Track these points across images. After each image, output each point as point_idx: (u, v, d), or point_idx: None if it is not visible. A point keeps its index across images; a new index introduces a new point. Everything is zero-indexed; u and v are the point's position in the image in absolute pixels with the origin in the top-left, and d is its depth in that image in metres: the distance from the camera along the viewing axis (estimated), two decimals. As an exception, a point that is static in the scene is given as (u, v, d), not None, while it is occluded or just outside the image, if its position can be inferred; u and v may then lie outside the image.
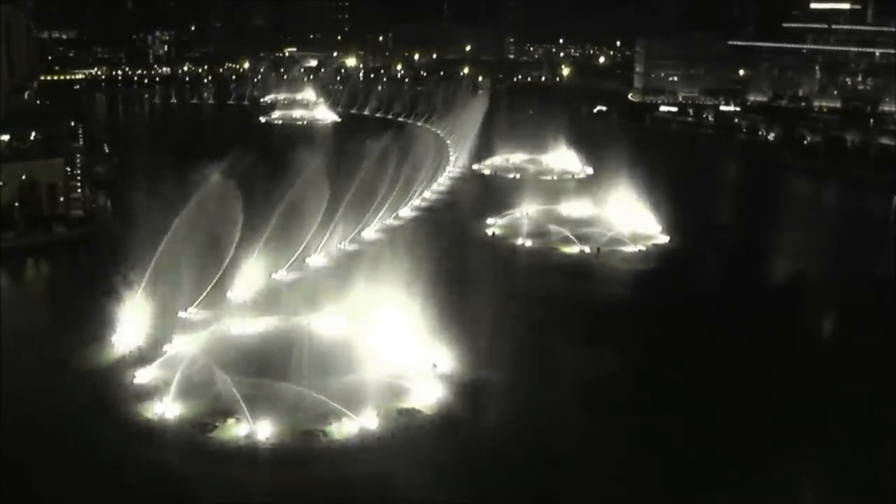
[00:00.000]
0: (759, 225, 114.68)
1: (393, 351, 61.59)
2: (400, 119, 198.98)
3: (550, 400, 57.17)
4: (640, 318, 74.03)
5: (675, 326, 71.88)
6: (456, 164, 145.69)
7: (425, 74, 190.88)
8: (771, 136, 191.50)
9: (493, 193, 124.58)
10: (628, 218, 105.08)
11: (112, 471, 47.79)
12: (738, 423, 54.25)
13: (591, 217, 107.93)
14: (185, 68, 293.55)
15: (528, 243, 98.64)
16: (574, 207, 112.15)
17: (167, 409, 53.95)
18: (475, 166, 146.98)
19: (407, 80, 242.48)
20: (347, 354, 61.92)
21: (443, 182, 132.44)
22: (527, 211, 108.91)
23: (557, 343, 66.32)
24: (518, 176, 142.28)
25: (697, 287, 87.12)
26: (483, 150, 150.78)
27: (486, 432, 52.73)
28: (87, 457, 49.01)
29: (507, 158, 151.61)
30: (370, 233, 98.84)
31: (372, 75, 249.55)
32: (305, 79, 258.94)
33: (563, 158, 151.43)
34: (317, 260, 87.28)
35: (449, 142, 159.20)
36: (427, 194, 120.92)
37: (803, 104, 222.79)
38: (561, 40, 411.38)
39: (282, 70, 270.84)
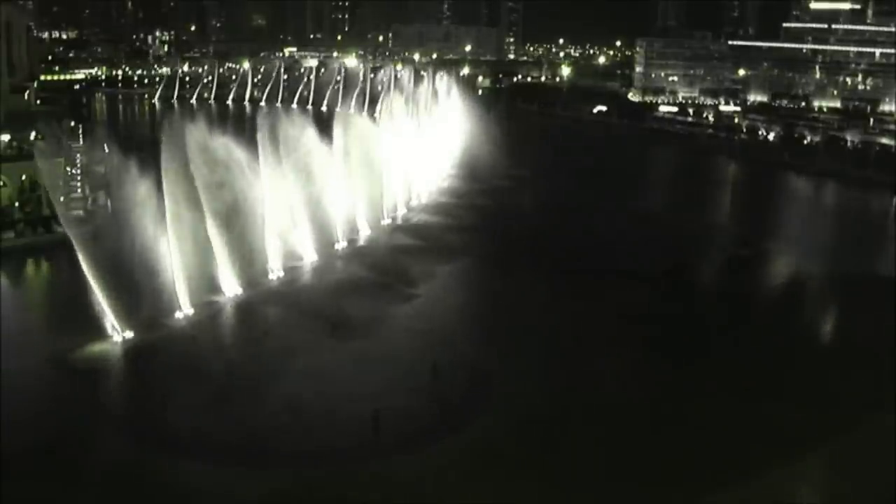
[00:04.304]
0: (757, 226, 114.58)
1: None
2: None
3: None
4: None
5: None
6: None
7: (426, 75, 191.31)
8: (771, 136, 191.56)
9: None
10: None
11: (105, 467, 47.84)
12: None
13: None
14: (185, 68, 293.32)
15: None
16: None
17: (166, 405, 54.04)
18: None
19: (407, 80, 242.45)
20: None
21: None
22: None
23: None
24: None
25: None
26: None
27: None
28: (84, 454, 49.04)
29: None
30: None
31: (373, 75, 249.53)
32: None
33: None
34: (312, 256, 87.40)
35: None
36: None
37: (803, 104, 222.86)
38: (561, 40, 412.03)
39: (282, 70, 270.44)
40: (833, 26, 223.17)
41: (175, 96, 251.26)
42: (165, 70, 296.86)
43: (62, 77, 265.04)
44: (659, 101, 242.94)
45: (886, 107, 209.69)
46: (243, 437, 51.01)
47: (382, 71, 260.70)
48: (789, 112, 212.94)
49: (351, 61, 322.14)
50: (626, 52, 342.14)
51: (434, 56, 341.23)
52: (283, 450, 50.26)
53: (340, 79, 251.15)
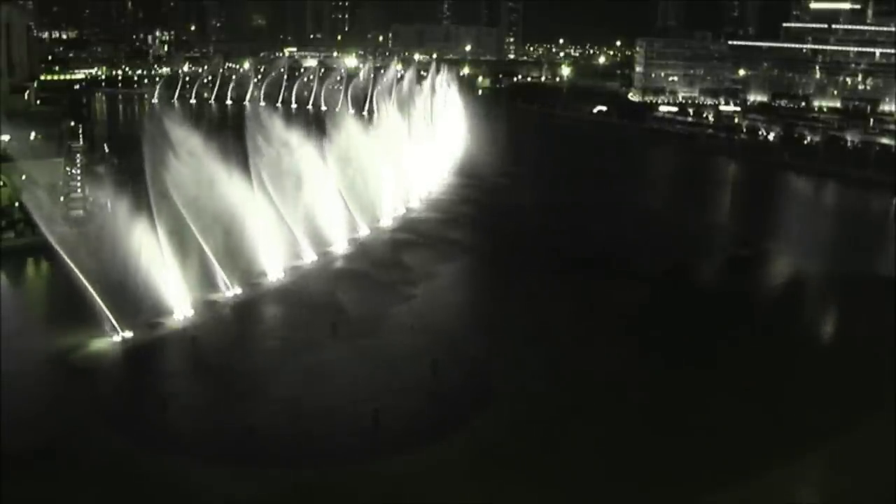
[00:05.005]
0: (757, 226, 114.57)
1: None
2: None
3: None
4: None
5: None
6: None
7: (426, 75, 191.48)
8: (771, 136, 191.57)
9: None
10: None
11: (105, 466, 47.85)
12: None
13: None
14: (186, 68, 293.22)
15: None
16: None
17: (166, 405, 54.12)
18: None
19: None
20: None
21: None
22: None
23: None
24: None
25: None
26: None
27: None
28: (83, 453, 49.07)
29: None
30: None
31: (373, 76, 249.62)
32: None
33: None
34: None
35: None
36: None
37: (803, 104, 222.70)
38: (561, 40, 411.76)
39: (282, 70, 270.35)
40: (833, 26, 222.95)
41: (175, 96, 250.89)
42: (165, 70, 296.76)
43: (62, 77, 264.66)
44: (659, 101, 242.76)
45: (886, 107, 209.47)
46: (243, 436, 51.07)
47: (383, 71, 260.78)
48: (789, 112, 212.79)
49: (351, 61, 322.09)
50: (626, 52, 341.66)
51: (434, 56, 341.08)
52: (282, 448, 50.39)
53: (340, 79, 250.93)
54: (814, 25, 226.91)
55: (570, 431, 53.03)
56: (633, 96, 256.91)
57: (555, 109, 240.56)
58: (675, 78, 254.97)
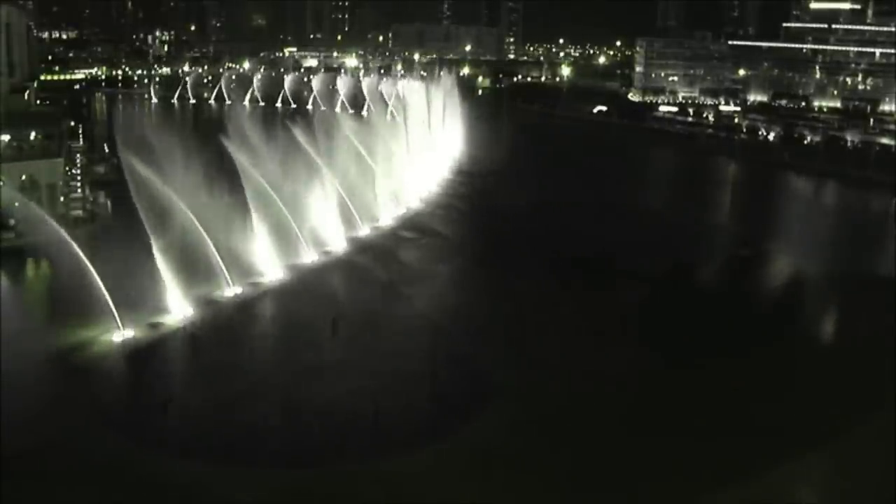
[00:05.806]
0: (757, 226, 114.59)
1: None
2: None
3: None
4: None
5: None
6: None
7: (425, 74, 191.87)
8: (771, 136, 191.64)
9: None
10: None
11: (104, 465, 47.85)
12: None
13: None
14: (186, 68, 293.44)
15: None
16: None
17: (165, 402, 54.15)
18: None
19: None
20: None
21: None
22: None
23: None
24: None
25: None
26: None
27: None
28: (84, 453, 49.02)
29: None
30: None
31: (372, 76, 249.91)
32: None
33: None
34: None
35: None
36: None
37: (803, 104, 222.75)
38: (561, 40, 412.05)
39: (282, 70, 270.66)
40: (833, 26, 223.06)
41: (175, 96, 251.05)
42: (166, 70, 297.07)
43: (62, 77, 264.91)
44: (659, 101, 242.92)
45: (886, 107, 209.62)
46: (243, 435, 51.08)
47: (383, 71, 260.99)
48: (789, 112, 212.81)
49: (351, 61, 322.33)
50: (626, 52, 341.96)
51: (434, 56, 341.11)
52: (282, 447, 50.36)
53: (341, 80, 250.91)
54: (814, 25, 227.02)
55: (570, 431, 53.06)
56: (633, 96, 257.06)
57: (555, 109, 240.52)
58: (675, 78, 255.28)
